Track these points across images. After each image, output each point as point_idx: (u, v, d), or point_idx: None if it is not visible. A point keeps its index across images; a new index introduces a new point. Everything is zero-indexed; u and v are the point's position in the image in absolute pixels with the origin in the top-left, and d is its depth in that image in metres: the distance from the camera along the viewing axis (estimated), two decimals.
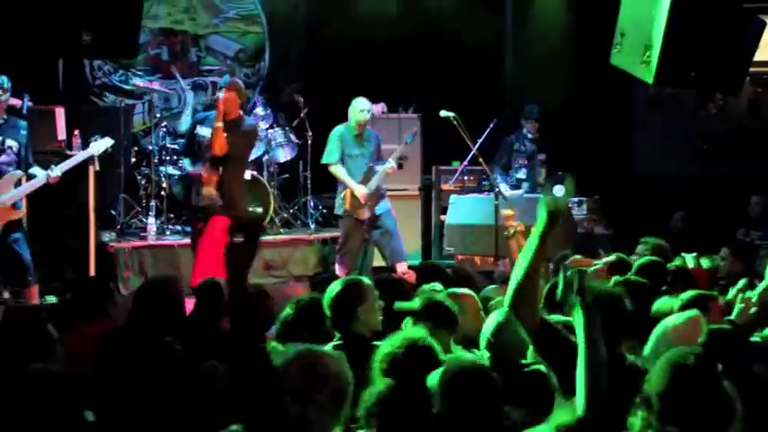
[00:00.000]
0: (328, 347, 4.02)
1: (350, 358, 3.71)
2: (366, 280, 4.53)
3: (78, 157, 7.54)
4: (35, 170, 7.36)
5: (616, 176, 9.88)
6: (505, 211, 8.03)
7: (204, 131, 7.60)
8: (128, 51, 8.79)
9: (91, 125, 9.08)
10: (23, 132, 7.35)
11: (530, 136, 9.55)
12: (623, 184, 9.85)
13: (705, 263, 7.03)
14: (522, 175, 9.58)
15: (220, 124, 7.38)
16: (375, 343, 4.00)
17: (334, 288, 4.35)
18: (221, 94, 7.46)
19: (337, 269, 8.31)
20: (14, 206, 7.28)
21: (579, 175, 9.27)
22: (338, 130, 8.47)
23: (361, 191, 8.24)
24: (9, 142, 7.25)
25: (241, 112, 7.71)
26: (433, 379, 3.13)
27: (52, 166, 7.32)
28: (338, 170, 8.33)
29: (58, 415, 3.18)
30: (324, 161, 8.44)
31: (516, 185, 9.57)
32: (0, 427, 3.27)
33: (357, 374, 3.44)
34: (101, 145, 7.63)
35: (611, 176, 9.86)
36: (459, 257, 8.97)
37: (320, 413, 2.87)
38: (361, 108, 8.35)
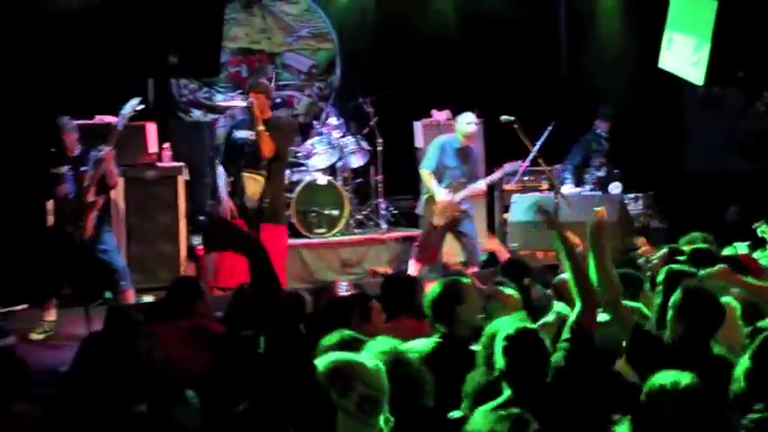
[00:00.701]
0: (426, 345, 4.15)
1: (446, 359, 4.02)
2: (466, 280, 4.55)
3: (119, 125, 7.45)
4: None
5: (670, 173, 10.03)
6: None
7: (241, 134, 7.59)
8: (211, 71, 9.27)
9: (179, 139, 9.52)
10: (93, 153, 7.45)
11: (604, 135, 9.78)
12: (677, 179, 10.02)
13: (759, 255, 7.24)
14: (602, 173, 9.76)
15: (262, 128, 7.37)
16: (472, 347, 4.09)
17: (435, 289, 4.37)
18: (252, 99, 7.47)
19: (412, 264, 8.55)
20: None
21: (635, 171, 9.66)
22: (441, 139, 8.62)
23: (441, 196, 8.34)
24: (84, 169, 7.45)
25: (272, 112, 7.69)
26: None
27: (99, 148, 7.38)
28: (428, 178, 8.46)
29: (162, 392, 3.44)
30: (420, 167, 8.58)
31: (597, 183, 9.73)
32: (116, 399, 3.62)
33: (452, 374, 3.81)
34: (128, 107, 7.48)
35: (665, 173, 9.98)
36: (522, 253, 9.06)
37: (347, 417, 2.95)
38: (468, 121, 8.47)
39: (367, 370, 3.03)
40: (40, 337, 7.45)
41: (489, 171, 10.08)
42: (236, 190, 7.58)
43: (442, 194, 8.41)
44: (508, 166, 8.66)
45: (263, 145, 7.41)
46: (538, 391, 3.53)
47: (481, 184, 8.60)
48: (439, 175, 8.49)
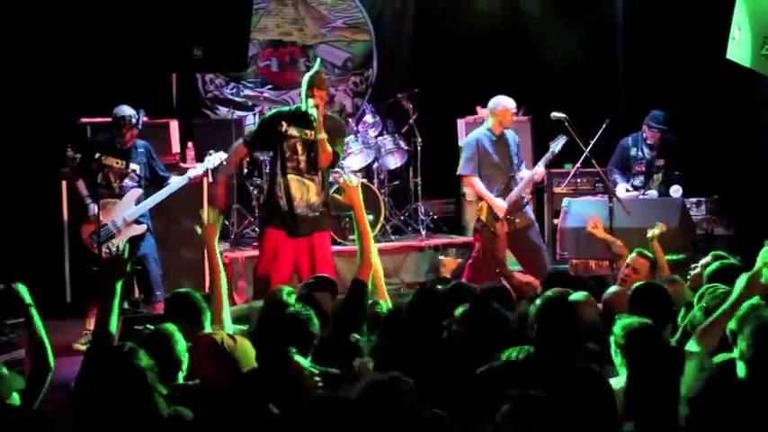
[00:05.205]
0: None
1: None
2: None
3: (199, 169, 7.67)
4: (173, 179, 7.63)
5: (737, 174, 9.51)
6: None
7: (294, 132, 6.94)
8: (238, 64, 9.10)
9: (204, 137, 9.34)
10: (141, 150, 7.55)
11: (649, 142, 9.07)
12: (745, 182, 9.46)
13: None
14: (638, 183, 9.10)
15: (324, 135, 6.80)
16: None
17: None
18: (316, 101, 6.73)
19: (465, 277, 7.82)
20: (137, 222, 7.50)
21: (698, 173, 9.08)
22: (473, 136, 7.93)
23: (499, 204, 7.70)
24: (133, 166, 7.50)
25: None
26: None
27: (190, 171, 7.65)
28: (475, 183, 7.78)
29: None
30: (460, 173, 7.90)
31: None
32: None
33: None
34: (215, 159, 7.59)
35: (731, 174, 9.48)
36: (574, 262, 8.69)
37: None
38: (504, 105, 7.78)
39: None
40: (84, 347, 7.15)
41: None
42: (281, 193, 6.89)
43: (499, 203, 7.73)
44: (553, 144, 7.88)
45: (323, 154, 6.75)
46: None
47: (539, 170, 7.83)
48: (485, 177, 7.82)
